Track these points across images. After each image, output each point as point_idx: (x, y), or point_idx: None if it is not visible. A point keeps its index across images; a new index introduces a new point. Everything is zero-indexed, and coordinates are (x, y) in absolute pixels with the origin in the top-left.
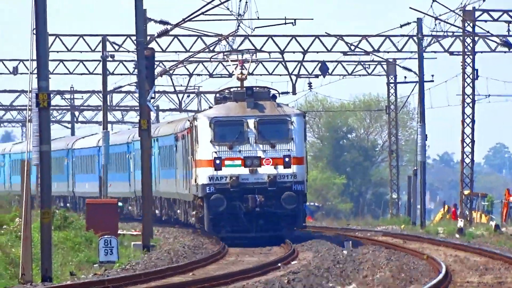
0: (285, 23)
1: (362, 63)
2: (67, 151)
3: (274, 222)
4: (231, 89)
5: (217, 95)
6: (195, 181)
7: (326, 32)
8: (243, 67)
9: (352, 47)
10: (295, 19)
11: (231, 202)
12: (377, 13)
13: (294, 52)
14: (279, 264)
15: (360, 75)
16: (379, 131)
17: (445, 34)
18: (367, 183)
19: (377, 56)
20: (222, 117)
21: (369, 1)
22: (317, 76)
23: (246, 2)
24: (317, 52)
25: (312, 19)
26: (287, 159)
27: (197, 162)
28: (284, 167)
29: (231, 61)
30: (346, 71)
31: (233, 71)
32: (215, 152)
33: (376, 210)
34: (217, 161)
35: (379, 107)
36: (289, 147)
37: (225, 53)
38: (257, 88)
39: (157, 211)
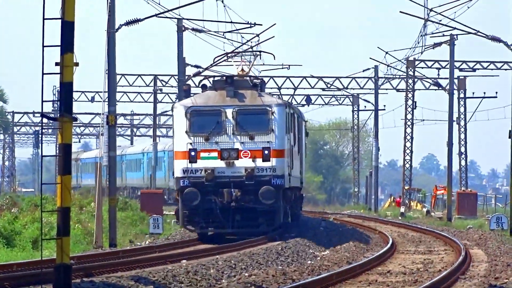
0: (282, 68)
1: (336, 96)
2: (120, 157)
3: (251, 218)
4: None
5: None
6: (173, 174)
7: (310, 74)
8: (244, 65)
9: (329, 85)
10: (289, 65)
11: (206, 196)
12: (347, 60)
13: (287, 88)
14: (277, 237)
15: (333, 104)
16: (346, 144)
17: (394, 76)
18: (337, 180)
19: (346, 91)
20: (199, 106)
21: (342, 50)
22: (303, 105)
23: (259, 54)
24: (304, 88)
25: (301, 65)
26: (266, 152)
27: (175, 154)
28: (263, 160)
29: (234, 61)
30: (324, 102)
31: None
32: (190, 144)
33: (343, 199)
34: (192, 153)
35: (346, 127)
36: (269, 139)
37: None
38: (238, 77)
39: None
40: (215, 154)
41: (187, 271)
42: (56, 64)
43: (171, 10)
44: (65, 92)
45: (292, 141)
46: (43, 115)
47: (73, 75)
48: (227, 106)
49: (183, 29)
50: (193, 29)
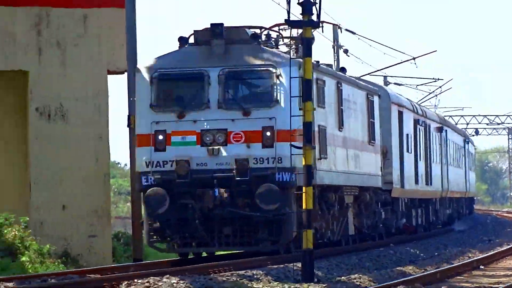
0: None
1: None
2: None
3: (247, 231)
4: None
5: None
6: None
7: None
8: None
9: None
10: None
11: (179, 200)
12: None
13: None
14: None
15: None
16: (504, 161)
17: None
18: (498, 188)
19: None
20: (170, 68)
21: None
22: (473, 135)
23: None
24: None
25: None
26: (267, 133)
27: (136, 139)
28: (263, 146)
29: None
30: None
31: None
32: (156, 123)
33: (503, 201)
34: (160, 137)
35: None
36: (272, 114)
37: None
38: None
39: None
40: (193, 137)
41: None
42: None
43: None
44: None
45: (329, 119)
46: None
47: None
48: (212, 67)
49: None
50: (395, 83)
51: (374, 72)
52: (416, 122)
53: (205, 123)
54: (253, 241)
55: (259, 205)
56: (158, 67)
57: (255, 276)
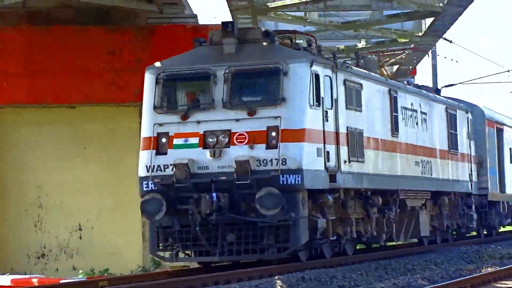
0: None
1: None
2: None
3: (251, 237)
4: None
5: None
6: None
7: None
8: None
9: None
10: None
11: (179, 206)
12: None
13: None
14: None
15: None
16: None
17: None
18: None
19: None
20: (177, 69)
21: None
22: None
23: None
24: None
25: None
26: (273, 133)
27: (141, 143)
28: (268, 147)
29: None
30: None
31: None
32: (159, 125)
33: None
34: (163, 140)
35: None
36: (278, 113)
37: None
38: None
39: None
40: (195, 139)
41: None
42: None
43: None
44: None
45: (370, 123)
46: None
47: None
48: (218, 66)
49: None
50: None
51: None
52: None
53: (209, 124)
54: (259, 249)
55: (259, 210)
56: (164, 68)
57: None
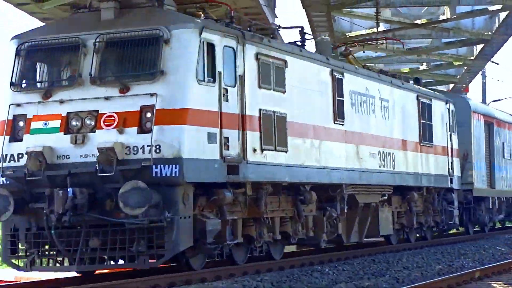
0: None
1: None
2: None
3: (122, 241)
4: None
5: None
6: None
7: None
8: None
9: None
10: None
11: (33, 203)
12: None
13: None
14: None
15: None
16: None
17: None
18: None
19: None
20: (41, 38)
21: None
22: None
23: None
24: None
25: None
26: (147, 114)
27: None
28: (140, 131)
29: None
30: None
31: None
32: (16, 106)
33: None
34: (20, 123)
35: None
36: (154, 89)
37: None
38: None
39: None
40: (57, 123)
41: None
42: None
43: None
44: None
45: (299, 107)
46: None
47: None
48: (89, 34)
49: None
50: None
51: None
52: None
53: (73, 104)
54: (128, 257)
55: (122, 209)
56: (29, 37)
57: None
